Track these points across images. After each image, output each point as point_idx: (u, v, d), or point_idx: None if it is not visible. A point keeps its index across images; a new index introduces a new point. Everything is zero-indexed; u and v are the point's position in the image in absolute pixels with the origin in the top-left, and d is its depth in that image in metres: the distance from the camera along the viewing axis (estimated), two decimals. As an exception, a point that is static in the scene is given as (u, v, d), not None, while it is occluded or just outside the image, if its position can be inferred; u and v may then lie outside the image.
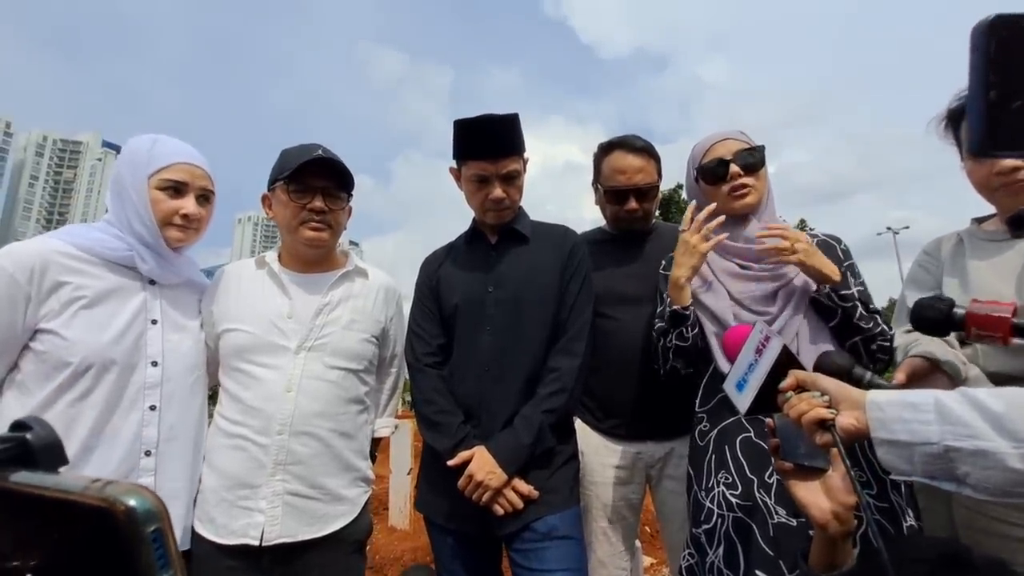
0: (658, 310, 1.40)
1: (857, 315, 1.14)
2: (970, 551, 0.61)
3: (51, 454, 0.32)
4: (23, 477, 0.29)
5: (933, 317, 0.78)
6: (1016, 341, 0.72)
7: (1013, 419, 0.56)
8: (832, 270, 1.17)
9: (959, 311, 0.75)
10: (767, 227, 1.22)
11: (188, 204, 1.19)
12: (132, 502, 0.27)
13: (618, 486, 1.52)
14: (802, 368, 0.82)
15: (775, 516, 1.07)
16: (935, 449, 0.60)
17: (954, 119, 1.19)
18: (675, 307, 1.24)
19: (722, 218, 1.24)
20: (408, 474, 4.27)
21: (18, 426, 0.32)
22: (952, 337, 1.16)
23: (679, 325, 1.24)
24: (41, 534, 0.29)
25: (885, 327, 1.16)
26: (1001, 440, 0.56)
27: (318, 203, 1.28)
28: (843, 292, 1.15)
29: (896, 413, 0.64)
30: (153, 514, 0.27)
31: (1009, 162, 1.10)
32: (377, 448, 1.47)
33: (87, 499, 0.27)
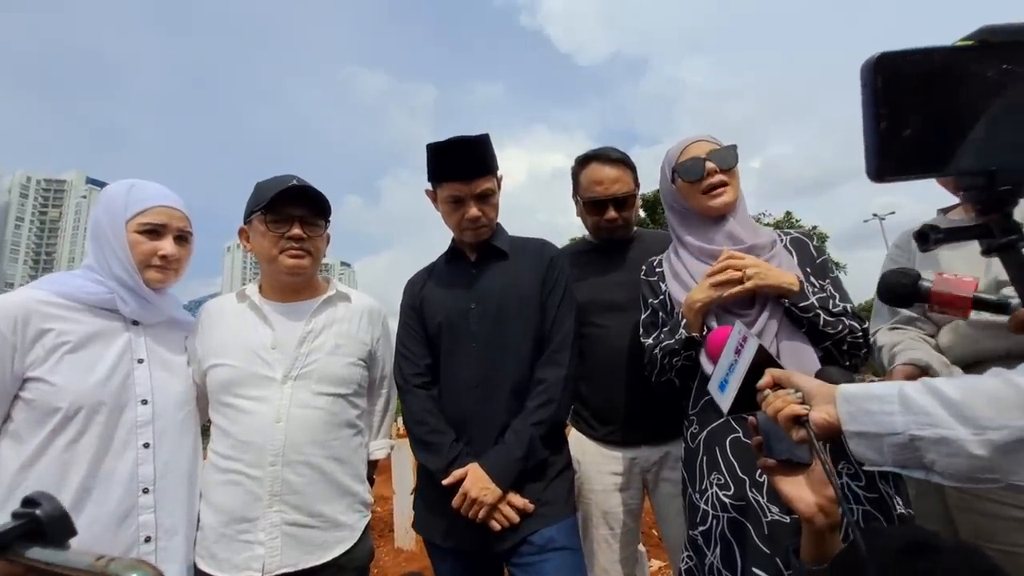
0: (642, 317, 1.41)
1: (821, 322, 1.14)
2: (938, 537, 0.63)
3: (60, 528, 0.34)
4: (37, 553, 0.32)
5: (900, 291, 0.81)
6: (974, 315, 0.75)
7: (971, 406, 0.57)
8: (788, 282, 1.16)
9: (925, 284, 0.78)
10: (715, 264, 1.21)
11: (166, 245, 1.22)
12: None
13: (616, 493, 1.53)
14: (779, 367, 0.83)
15: (769, 514, 1.08)
16: (901, 439, 0.61)
17: None
18: (692, 334, 1.22)
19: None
20: (411, 493, 4.24)
21: (28, 502, 0.34)
22: (931, 339, 1.20)
23: (691, 349, 1.24)
24: None
25: (854, 323, 1.17)
26: (961, 427, 0.57)
27: (296, 231, 1.30)
28: (802, 304, 1.15)
29: (863, 406, 0.66)
30: None
31: None
32: (375, 471, 1.47)
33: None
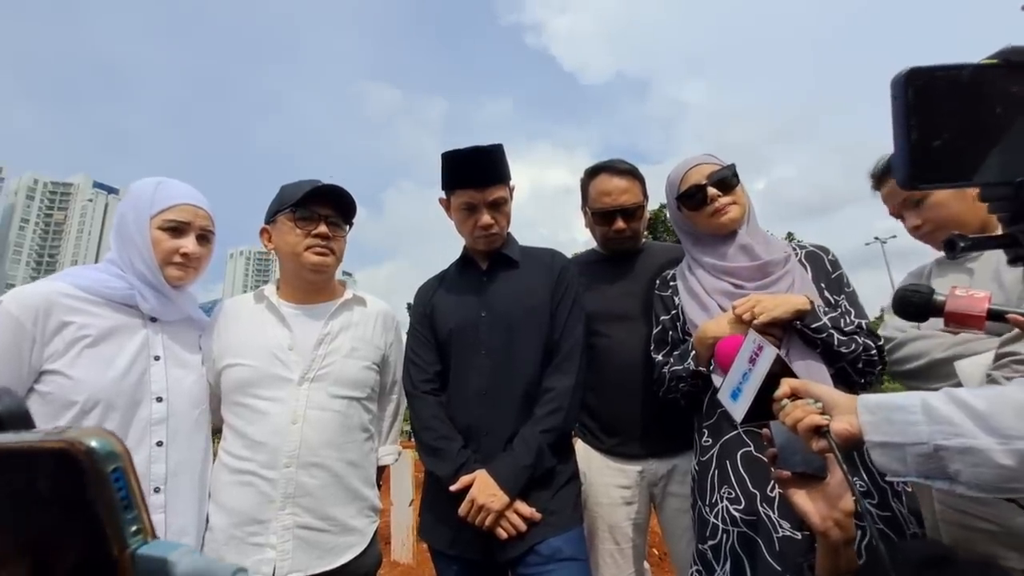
0: (653, 332, 1.42)
1: (836, 342, 1.14)
2: (954, 552, 0.63)
3: (19, 421, 0.33)
4: None
5: (915, 303, 0.82)
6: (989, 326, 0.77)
7: (996, 416, 0.58)
8: (798, 304, 1.16)
9: (939, 298, 0.79)
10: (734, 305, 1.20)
11: (188, 243, 1.22)
12: (93, 443, 0.27)
13: (623, 506, 1.51)
14: (795, 377, 0.84)
15: (780, 530, 1.07)
16: (925, 449, 0.61)
17: (878, 180, 1.36)
18: (700, 368, 1.23)
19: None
20: (410, 505, 4.18)
21: None
22: None
23: (697, 379, 1.25)
24: (9, 489, 0.28)
25: (869, 341, 1.17)
26: (987, 437, 0.58)
27: (323, 228, 1.32)
28: (815, 325, 1.15)
29: (886, 415, 0.66)
30: (114, 454, 0.27)
31: (909, 223, 1.28)
32: (380, 477, 1.46)
33: (48, 445, 0.27)
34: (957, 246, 0.55)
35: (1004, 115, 0.49)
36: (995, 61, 0.49)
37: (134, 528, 0.27)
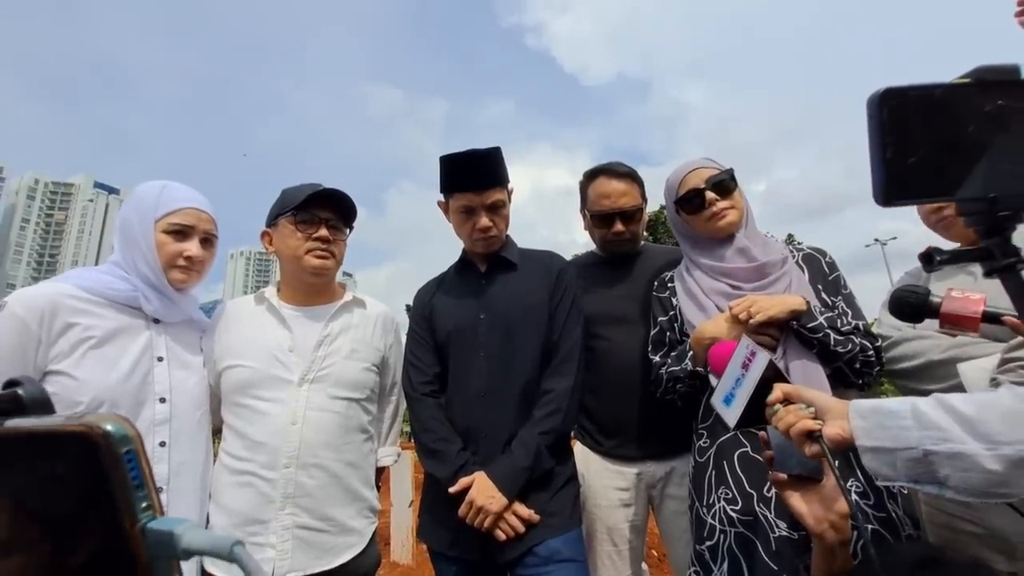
0: (651, 333, 1.43)
1: (832, 342, 1.14)
2: (947, 553, 0.64)
3: (40, 406, 0.36)
4: (16, 423, 0.33)
5: (912, 303, 0.83)
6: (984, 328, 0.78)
7: (984, 421, 0.59)
8: (793, 304, 1.16)
9: (935, 300, 0.80)
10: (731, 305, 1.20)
11: (192, 247, 1.24)
12: (109, 427, 0.30)
13: (621, 508, 1.52)
14: (788, 382, 0.85)
15: (776, 530, 1.08)
16: (915, 454, 0.62)
17: None
18: (698, 368, 1.23)
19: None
20: (409, 506, 4.19)
21: (10, 383, 0.36)
22: None
23: (695, 379, 1.26)
24: (34, 468, 0.32)
25: (866, 342, 1.17)
26: (975, 443, 0.59)
27: (323, 232, 1.34)
28: (811, 325, 1.15)
29: (877, 420, 0.67)
30: (128, 438, 0.31)
31: (932, 205, 1.21)
32: (380, 478, 1.47)
33: (69, 428, 0.31)
34: (934, 260, 0.57)
35: (977, 132, 0.50)
36: (967, 80, 0.51)
37: (144, 505, 0.30)
